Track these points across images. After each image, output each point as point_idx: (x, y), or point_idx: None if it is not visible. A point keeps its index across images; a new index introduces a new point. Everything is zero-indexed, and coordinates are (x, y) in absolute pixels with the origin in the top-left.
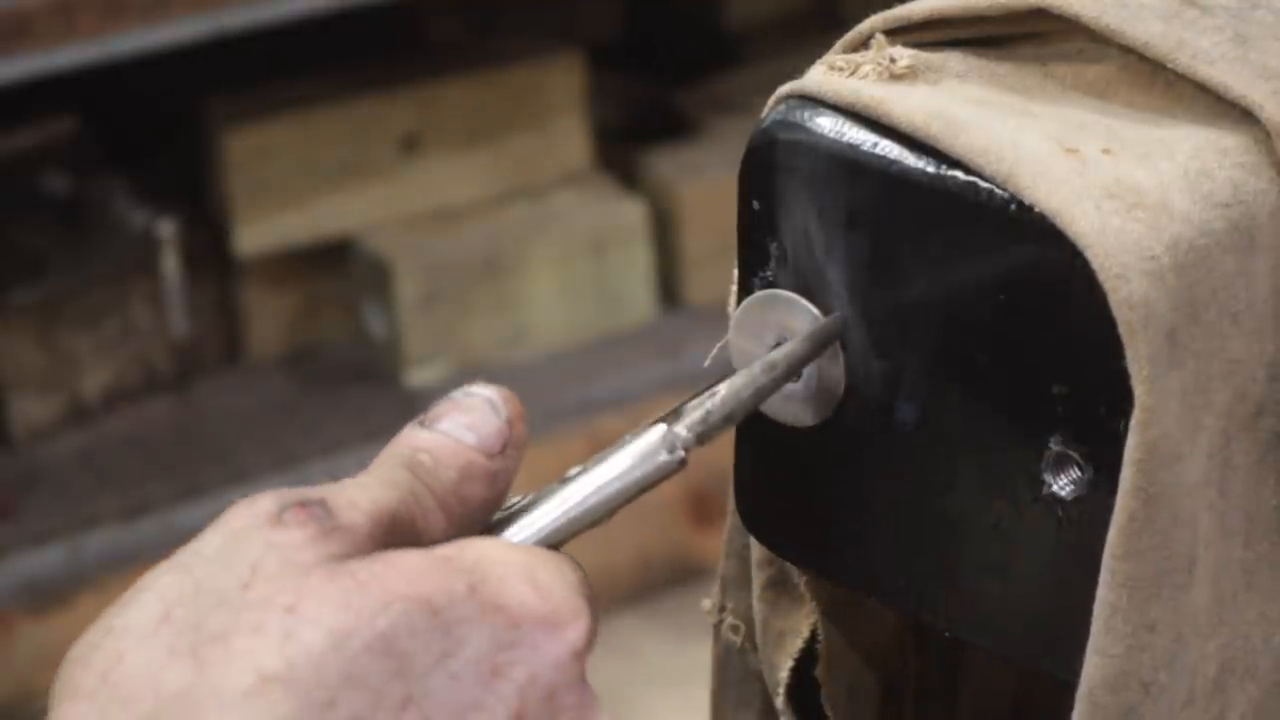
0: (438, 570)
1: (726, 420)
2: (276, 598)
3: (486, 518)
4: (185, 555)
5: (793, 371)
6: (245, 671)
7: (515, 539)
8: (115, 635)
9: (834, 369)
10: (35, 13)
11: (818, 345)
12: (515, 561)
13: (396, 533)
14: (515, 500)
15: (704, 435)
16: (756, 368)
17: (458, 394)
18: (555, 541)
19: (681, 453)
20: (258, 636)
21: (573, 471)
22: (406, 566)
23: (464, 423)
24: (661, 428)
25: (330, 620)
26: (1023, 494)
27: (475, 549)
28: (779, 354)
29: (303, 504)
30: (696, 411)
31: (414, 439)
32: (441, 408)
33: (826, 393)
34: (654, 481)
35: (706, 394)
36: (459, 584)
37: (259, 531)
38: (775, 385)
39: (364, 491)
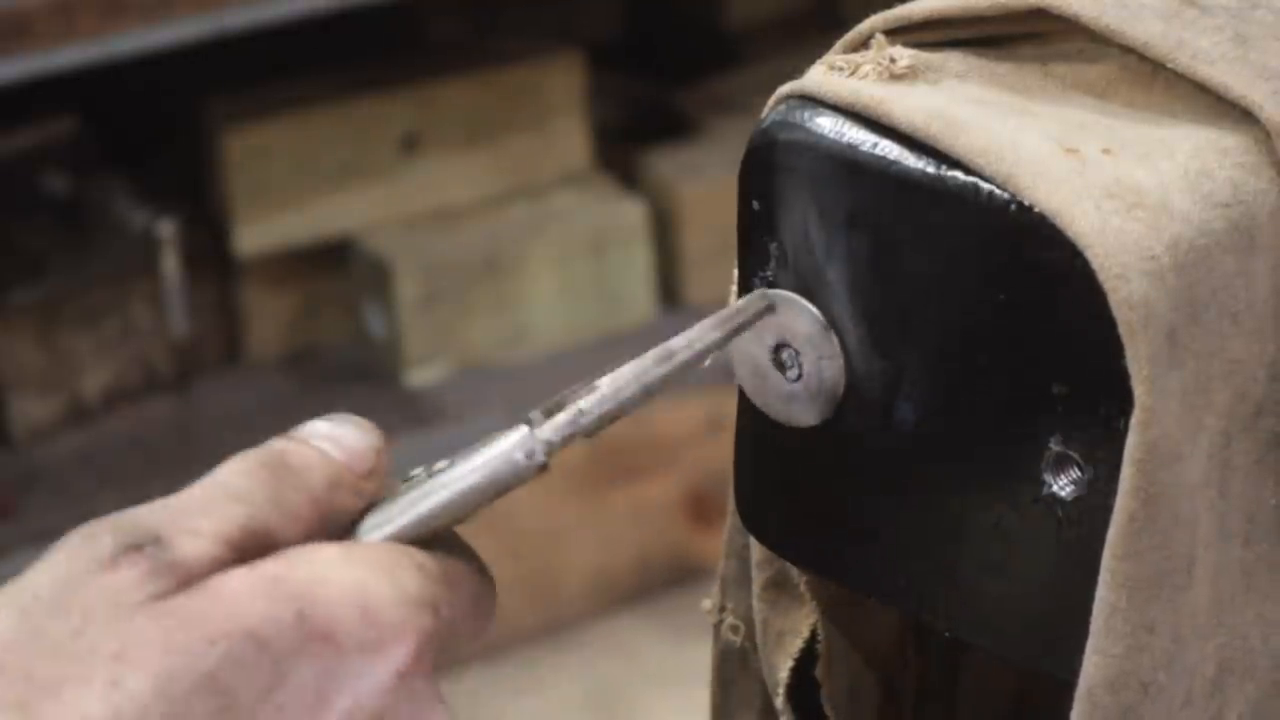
0: (264, 597)
1: (601, 422)
2: (104, 644)
3: (342, 529)
4: (20, 594)
5: (696, 361)
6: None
7: (366, 537)
8: None
9: (834, 369)
10: (35, 13)
11: (731, 333)
12: (345, 582)
13: (248, 547)
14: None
15: (571, 439)
16: (649, 358)
17: (325, 418)
18: (407, 540)
19: (541, 458)
20: (85, 686)
21: (439, 465)
22: (233, 597)
23: (334, 437)
24: (523, 430)
25: (155, 665)
26: (1023, 494)
27: (308, 565)
28: (679, 341)
29: (136, 546)
30: (567, 412)
31: (282, 444)
32: (310, 426)
33: (826, 393)
34: (509, 486)
35: (585, 387)
36: (286, 612)
37: (92, 576)
38: (670, 377)
39: (209, 512)
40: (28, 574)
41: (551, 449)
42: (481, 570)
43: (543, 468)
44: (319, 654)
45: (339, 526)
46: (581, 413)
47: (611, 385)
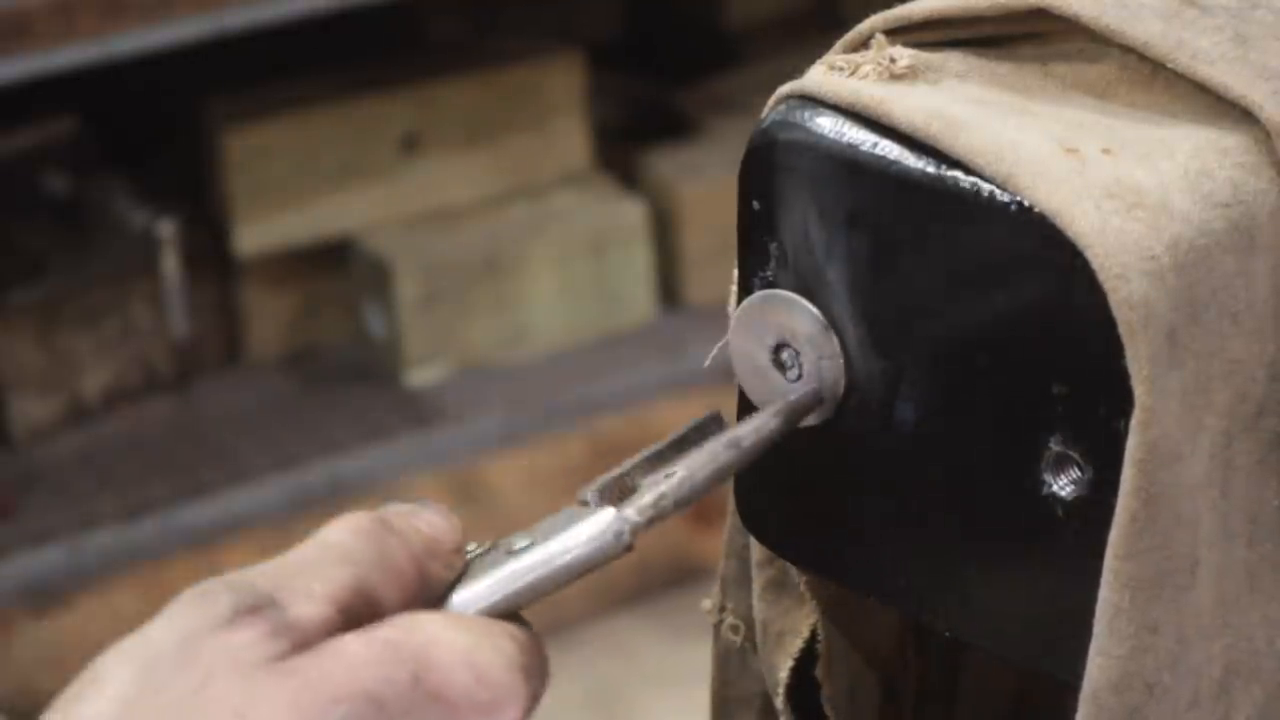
0: (381, 660)
1: (679, 505)
2: (228, 700)
3: (435, 598)
4: (139, 648)
5: (760, 450)
6: None
7: (461, 609)
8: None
9: (834, 369)
10: (35, 13)
11: (790, 421)
12: (458, 645)
13: (355, 607)
14: (469, 548)
15: (655, 520)
16: (720, 444)
17: (406, 504)
18: (499, 614)
19: (628, 539)
20: None
21: (520, 543)
22: (351, 659)
23: (420, 514)
24: (611, 512)
25: None
26: (1023, 494)
27: (422, 631)
28: (746, 430)
29: (254, 608)
30: (649, 495)
31: (383, 510)
32: (395, 505)
33: (827, 393)
34: (599, 564)
35: (663, 473)
36: (402, 674)
37: (212, 635)
38: (740, 464)
39: (320, 574)
40: (145, 630)
41: (637, 530)
42: (541, 640)
43: (628, 548)
44: (434, 714)
45: (432, 596)
46: (662, 496)
47: (688, 470)
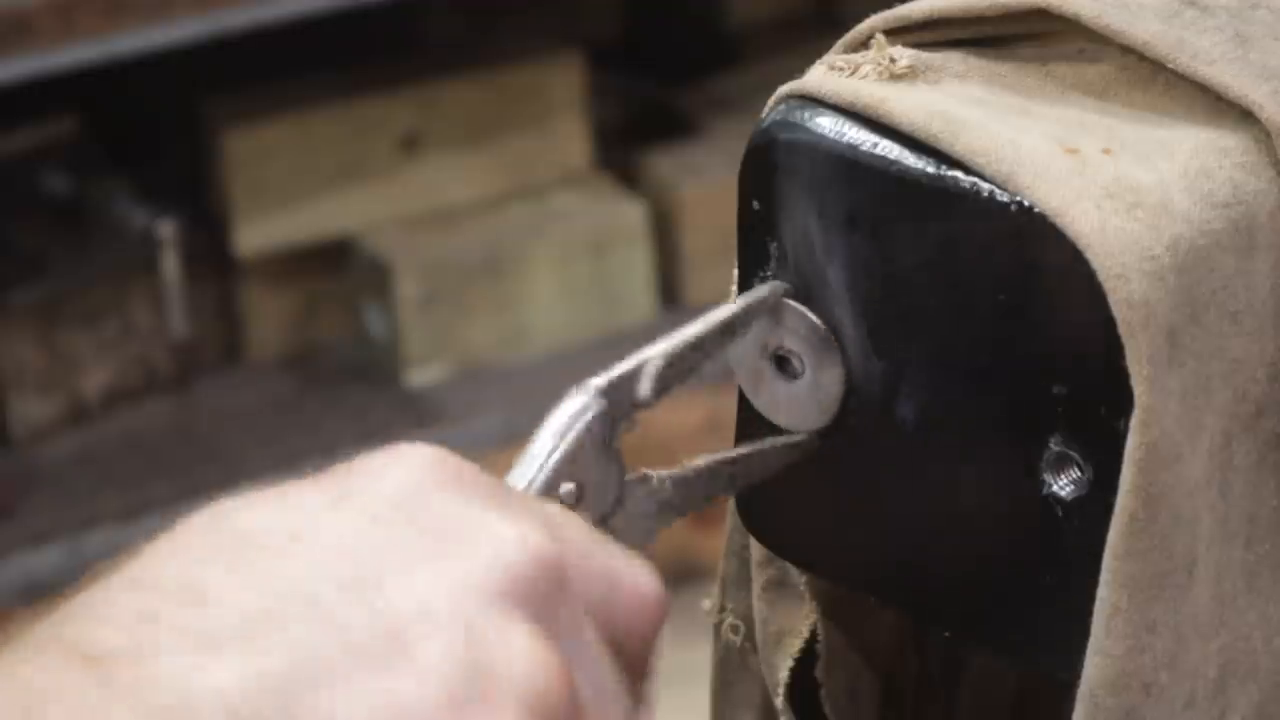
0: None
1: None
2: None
3: None
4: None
5: (730, 330)
6: None
7: None
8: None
9: (834, 369)
10: (35, 13)
11: (753, 310)
12: (599, 539)
13: None
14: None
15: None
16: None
17: None
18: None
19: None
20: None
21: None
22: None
23: None
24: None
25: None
26: (1023, 494)
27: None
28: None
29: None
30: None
31: None
32: None
33: (827, 395)
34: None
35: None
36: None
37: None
38: (710, 337)
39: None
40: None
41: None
42: None
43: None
44: (602, 579)
45: None
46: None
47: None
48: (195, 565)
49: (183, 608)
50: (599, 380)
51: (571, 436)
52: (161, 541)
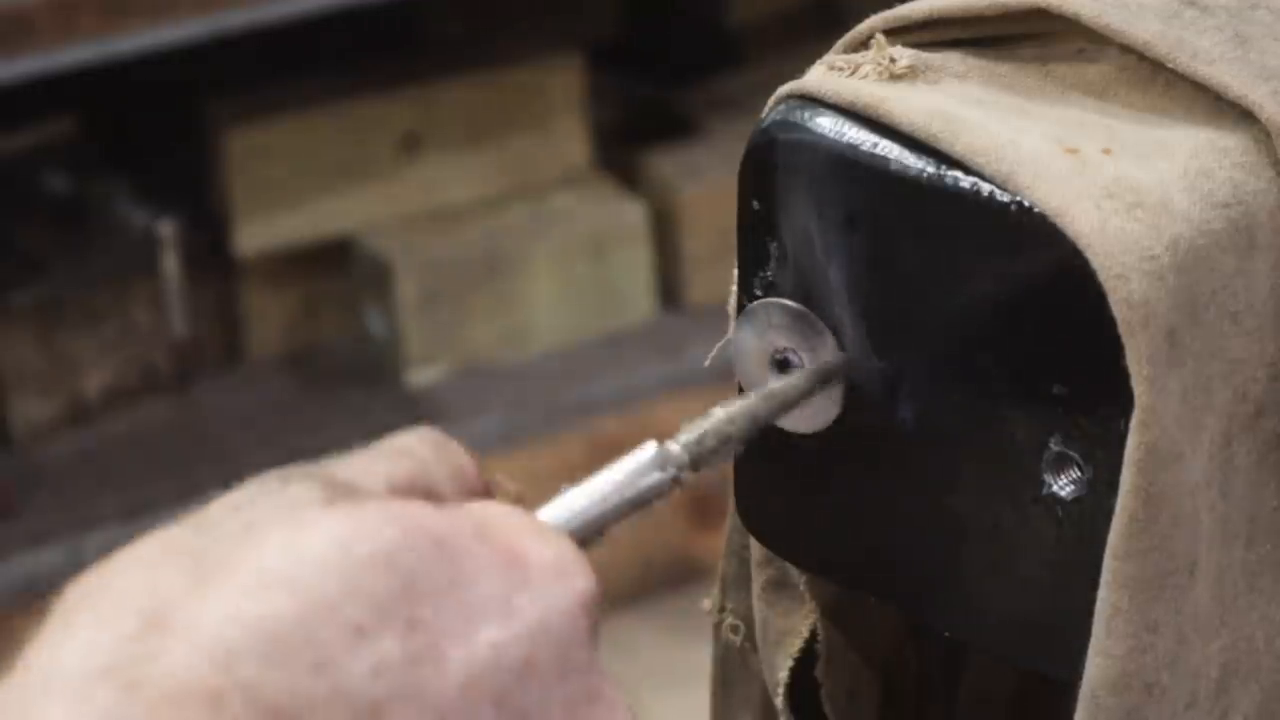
0: (443, 513)
1: (722, 442)
2: (278, 527)
3: None
4: (192, 516)
5: (790, 406)
6: (248, 574)
7: None
8: (109, 564)
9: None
10: (35, 12)
11: (818, 381)
12: (522, 520)
13: (416, 495)
14: None
15: (698, 458)
16: (754, 396)
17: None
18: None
19: (673, 470)
20: (259, 549)
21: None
22: (411, 506)
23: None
24: (653, 444)
25: (334, 530)
26: (1023, 494)
27: (482, 508)
28: (780, 385)
29: (307, 474)
30: (691, 433)
31: (417, 429)
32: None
33: (827, 394)
34: (647, 500)
35: (700, 418)
36: (465, 525)
37: (262, 488)
38: (771, 416)
39: (380, 461)
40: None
41: (682, 464)
42: None
43: (675, 482)
44: (503, 565)
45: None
46: (705, 434)
47: (725, 412)
48: None
49: None
50: (678, 450)
51: (626, 499)
52: None
